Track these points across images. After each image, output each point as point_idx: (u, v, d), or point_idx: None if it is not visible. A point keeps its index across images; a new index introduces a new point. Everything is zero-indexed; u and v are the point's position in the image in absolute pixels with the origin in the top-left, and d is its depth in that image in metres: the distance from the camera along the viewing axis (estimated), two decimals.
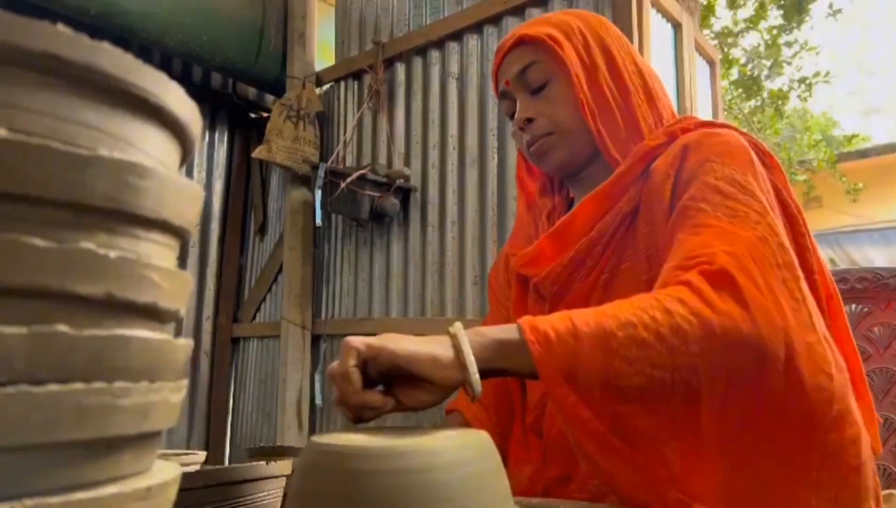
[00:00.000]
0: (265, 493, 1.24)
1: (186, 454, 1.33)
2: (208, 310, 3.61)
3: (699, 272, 0.68)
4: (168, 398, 0.37)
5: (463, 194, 2.59)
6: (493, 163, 2.51)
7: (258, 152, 3.05)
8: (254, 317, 3.65)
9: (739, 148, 0.83)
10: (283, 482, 1.31)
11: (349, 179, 2.62)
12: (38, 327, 0.31)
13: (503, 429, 1.00)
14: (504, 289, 1.10)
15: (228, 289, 3.69)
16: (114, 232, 0.35)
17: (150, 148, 0.39)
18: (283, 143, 3.04)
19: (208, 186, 3.60)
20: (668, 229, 0.82)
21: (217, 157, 3.65)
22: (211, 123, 3.61)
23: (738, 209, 0.74)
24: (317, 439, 0.57)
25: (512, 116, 1.04)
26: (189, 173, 3.43)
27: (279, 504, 1.30)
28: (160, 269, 0.37)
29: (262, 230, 3.67)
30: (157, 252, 0.38)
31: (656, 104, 0.97)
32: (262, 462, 1.26)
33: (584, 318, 0.65)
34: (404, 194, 2.74)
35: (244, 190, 3.76)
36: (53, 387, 0.31)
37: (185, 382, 0.41)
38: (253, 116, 3.79)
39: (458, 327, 0.67)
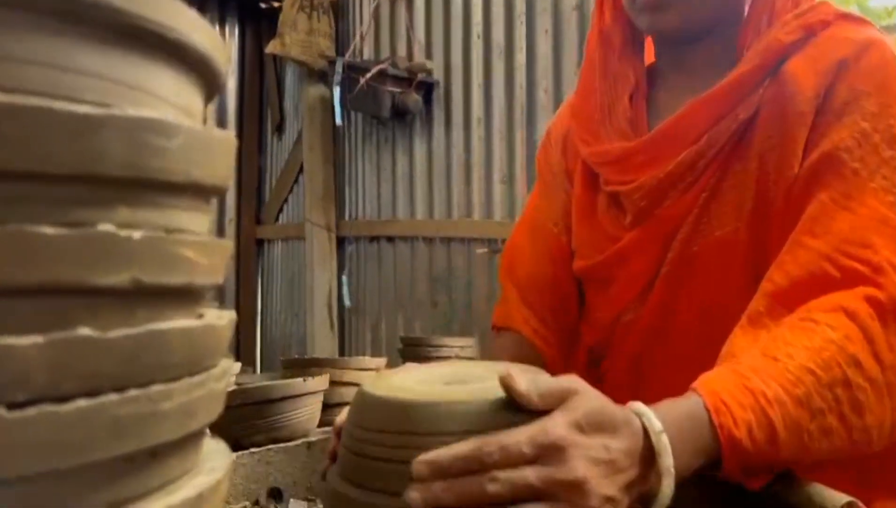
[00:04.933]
0: (303, 409, 1.24)
1: None
2: (231, 212, 3.58)
3: (868, 302, 0.64)
4: (213, 389, 0.33)
5: (489, 89, 2.47)
6: (520, 55, 2.37)
7: (271, 47, 2.93)
8: (277, 218, 3.62)
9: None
10: (320, 397, 1.31)
11: (369, 75, 2.50)
12: (58, 332, 0.26)
13: (565, 350, 0.91)
14: (560, 177, 0.95)
15: (249, 190, 3.65)
16: (136, 206, 0.29)
17: (169, 94, 0.32)
18: (297, 36, 2.90)
19: None
20: (803, 168, 0.72)
21: (228, 52, 3.52)
22: (220, 17, 3.46)
23: None
24: (372, 390, 0.53)
25: None
26: None
27: (317, 417, 1.30)
28: (194, 243, 0.31)
29: (279, 129, 3.58)
30: (189, 221, 0.33)
31: None
32: (300, 380, 1.25)
33: (782, 410, 0.59)
34: (427, 89, 2.63)
35: (259, 87, 3.64)
36: (82, 402, 0.26)
37: (230, 362, 0.36)
38: (264, 6, 3.62)
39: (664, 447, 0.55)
